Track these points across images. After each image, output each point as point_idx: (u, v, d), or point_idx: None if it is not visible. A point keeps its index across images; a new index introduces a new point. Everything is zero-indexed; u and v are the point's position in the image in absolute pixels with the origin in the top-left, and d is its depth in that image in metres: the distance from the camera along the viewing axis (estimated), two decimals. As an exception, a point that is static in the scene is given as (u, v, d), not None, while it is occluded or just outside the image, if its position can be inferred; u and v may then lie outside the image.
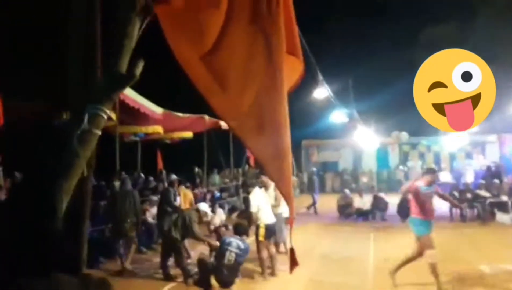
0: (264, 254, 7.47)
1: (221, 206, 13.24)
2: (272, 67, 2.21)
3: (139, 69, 1.57)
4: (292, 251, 2.50)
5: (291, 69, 2.44)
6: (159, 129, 12.96)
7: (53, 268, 1.28)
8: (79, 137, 1.47)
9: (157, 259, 8.87)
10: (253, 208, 7.57)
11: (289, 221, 2.15)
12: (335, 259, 8.80)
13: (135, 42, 1.62)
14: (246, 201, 15.97)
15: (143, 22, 1.68)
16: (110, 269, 8.24)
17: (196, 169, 17.58)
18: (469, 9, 28.69)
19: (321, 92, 11.04)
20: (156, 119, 11.81)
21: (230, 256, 6.63)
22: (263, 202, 7.57)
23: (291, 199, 2.43)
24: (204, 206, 8.04)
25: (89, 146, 1.48)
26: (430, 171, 7.04)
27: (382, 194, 14.97)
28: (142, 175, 13.74)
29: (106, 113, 1.53)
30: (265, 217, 7.46)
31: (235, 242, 6.76)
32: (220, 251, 6.76)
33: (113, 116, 10.50)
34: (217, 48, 2.18)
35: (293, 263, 2.48)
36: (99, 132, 1.49)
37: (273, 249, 7.78)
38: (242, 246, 6.76)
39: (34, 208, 1.30)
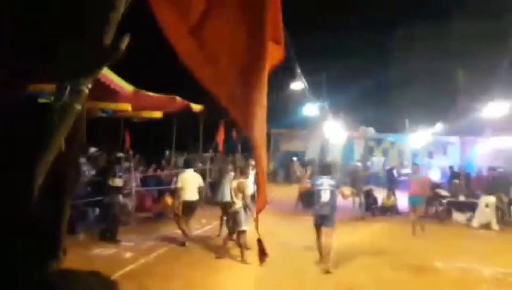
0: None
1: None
2: (257, 48, 2.17)
3: (124, 43, 1.51)
4: (260, 242, 2.47)
5: (270, 55, 2.41)
6: (128, 106, 12.66)
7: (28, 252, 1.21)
8: (58, 110, 1.41)
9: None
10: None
11: (256, 208, 2.16)
12: (296, 248, 8.92)
13: (121, 16, 1.56)
14: (213, 186, 15.92)
15: (129, -5, 1.61)
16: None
17: (167, 152, 17.30)
18: (443, 8, 29.28)
19: (298, 85, 11.12)
20: (126, 96, 11.51)
21: (325, 194, 7.42)
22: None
23: (264, 186, 2.38)
24: None
25: (69, 121, 1.42)
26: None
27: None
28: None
29: (87, 87, 1.47)
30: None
31: (325, 180, 7.56)
32: (316, 194, 7.56)
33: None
34: (205, 23, 2.12)
35: (262, 254, 2.46)
36: (79, 107, 1.43)
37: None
38: (332, 182, 7.53)
39: (7, 184, 1.23)
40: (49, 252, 1.24)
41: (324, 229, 7.51)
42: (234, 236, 8.10)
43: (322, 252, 7.58)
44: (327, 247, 7.47)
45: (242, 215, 7.86)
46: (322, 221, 7.54)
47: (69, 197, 1.34)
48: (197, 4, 2.04)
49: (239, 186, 7.92)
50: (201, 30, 2.06)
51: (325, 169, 8.24)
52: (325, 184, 7.57)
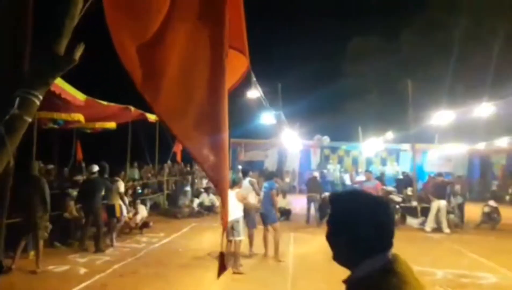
0: None
1: (143, 202, 12.85)
2: (214, 64, 2.15)
3: (78, 52, 1.44)
4: (222, 255, 2.46)
5: (236, 65, 2.40)
6: (80, 117, 12.20)
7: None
8: (7, 123, 1.31)
9: (72, 255, 8.59)
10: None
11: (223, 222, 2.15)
12: (257, 257, 8.90)
13: (76, 23, 1.49)
14: (170, 198, 15.58)
15: (85, 2, 1.54)
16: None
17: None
18: (396, 23, 30.54)
19: (253, 93, 11.12)
20: (78, 106, 11.08)
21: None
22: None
23: (226, 198, 2.39)
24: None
25: (18, 134, 1.33)
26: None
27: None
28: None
29: (39, 98, 1.38)
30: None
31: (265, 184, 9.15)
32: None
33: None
34: (158, 40, 2.08)
35: (222, 267, 2.46)
36: (30, 119, 1.34)
37: None
38: (267, 185, 9.07)
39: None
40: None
41: (270, 226, 8.74)
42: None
43: (268, 246, 8.76)
44: (276, 241, 8.63)
45: (241, 225, 7.98)
46: (263, 219, 8.82)
47: (4, 210, 1.25)
48: (153, 19, 2.00)
49: (238, 196, 7.99)
50: (152, 47, 2.01)
51: (268, 175, 9.99)
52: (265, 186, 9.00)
